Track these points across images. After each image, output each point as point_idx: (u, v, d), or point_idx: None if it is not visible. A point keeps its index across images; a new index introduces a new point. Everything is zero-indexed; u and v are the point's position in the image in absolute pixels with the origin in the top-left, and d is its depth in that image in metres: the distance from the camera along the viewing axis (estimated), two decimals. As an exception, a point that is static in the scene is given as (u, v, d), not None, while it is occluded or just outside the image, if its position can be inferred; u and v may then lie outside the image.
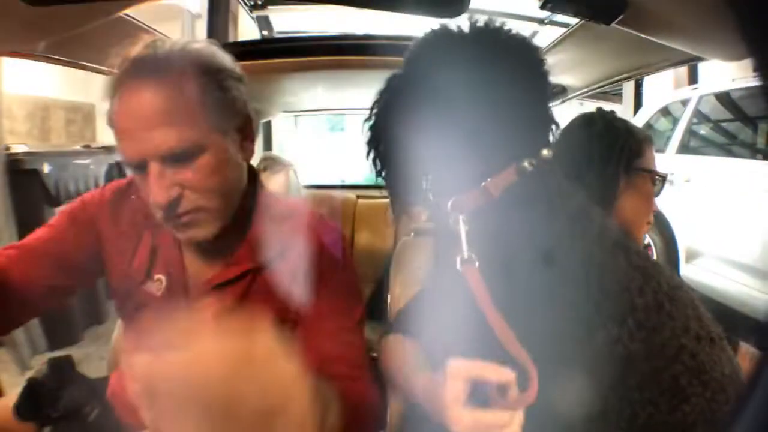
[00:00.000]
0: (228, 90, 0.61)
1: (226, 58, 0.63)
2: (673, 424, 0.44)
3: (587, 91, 1.23)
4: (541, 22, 3.16)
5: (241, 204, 0.67)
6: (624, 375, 0.43)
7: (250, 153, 0.66)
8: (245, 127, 0.64)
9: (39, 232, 0.70)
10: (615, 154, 0.71)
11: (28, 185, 1.58)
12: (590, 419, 0.43)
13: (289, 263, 0.65)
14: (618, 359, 0.43)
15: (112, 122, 0.59)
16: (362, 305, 0.77)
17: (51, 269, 0.67)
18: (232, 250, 0.67)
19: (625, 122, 0.76)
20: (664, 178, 0.77)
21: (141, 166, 0.57)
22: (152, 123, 0.55)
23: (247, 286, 0.67)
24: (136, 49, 0.59)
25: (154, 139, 0.55)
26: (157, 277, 0.70)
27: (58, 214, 0.73)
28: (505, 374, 0.39)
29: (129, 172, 0.65)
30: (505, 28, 0.52)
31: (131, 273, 0.71)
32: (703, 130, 2.68)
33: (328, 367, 0.71)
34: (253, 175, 0.71)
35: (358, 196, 1.98)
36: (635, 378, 0.43)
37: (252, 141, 0.66)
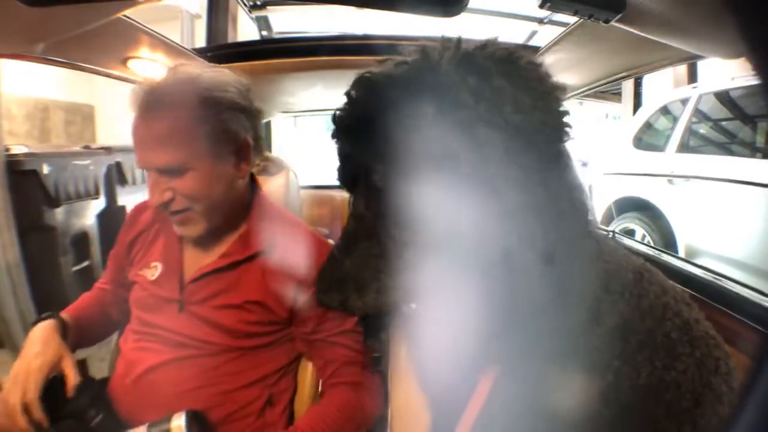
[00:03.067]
0: (224, 121, 0.71)
1: (231, 90, 0.72)
2: (668, 384, 0.46)
3: (586, 90, 1.22)
4: (540, 21, 3.16)
5: (237, 207, 0.77)
6: (626, 339, 0.46)
7: (245, 172, 0.76)
8: (241, 151, 0.74)
9: (102, 275, 0.91)
10: None
11: (28, 186, 1.58)
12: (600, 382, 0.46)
13: (279, 258, 0.73)
14: (620, 329, 0.46)
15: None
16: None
17: (120, 296, 0.85)
18: (226, 244, 0.77)
19: None
20: None
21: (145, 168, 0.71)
22: (151, 144, 0.68)
23: (237, 276, 0.75)
24: (155, 78, 0.72)
25: (151, 157, 0.69)
26: (153, 263, 0.79)
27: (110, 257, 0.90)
28: None
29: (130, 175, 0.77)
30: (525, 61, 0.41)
31: (134, 261, 0.82)
32: (703, 128, 2.68)
33: (330, 372, 0.74)
34: (255, 182, 0.82)
35: None
36: (635, 339, 0.46)
37: (248, 163, 0.76)
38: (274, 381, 0.78)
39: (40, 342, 0.71)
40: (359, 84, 0.40)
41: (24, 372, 0.68)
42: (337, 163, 0.42)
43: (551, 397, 0.48)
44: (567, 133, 0.43)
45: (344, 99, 0.41)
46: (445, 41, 0.41)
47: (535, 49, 1.14)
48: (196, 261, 0.77)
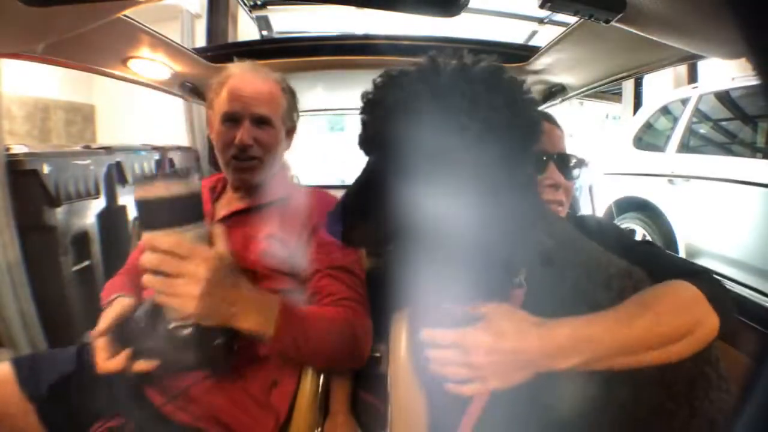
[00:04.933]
0: (293, 105, 0.97)
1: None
2: (668, 372, 0.51)
3: (587, 90, 1.22)
4: (540, 21, 3.16)
5: (273, 171, 0.94)
6: None
7: (288, 147, 1.00)
8: (291, 131, 1.00)
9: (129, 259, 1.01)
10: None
11: (28, 186, 1.58)
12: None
13: (291, 205, 0.90)
14: None
15: (223, 87, 0.91)
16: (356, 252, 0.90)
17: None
18: (248, 197, 0.93)
19: None
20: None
21: (236, 119, 0.89)
22: (258, 98, 0.90)
23: (258, 217, 0.89)
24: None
25: (254, 106, 0.89)
26: None
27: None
28: None
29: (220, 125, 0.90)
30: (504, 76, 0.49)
31: None
32: (703, 129, 2.68)
33: (320, 299, 0.82)
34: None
35: None
36: None
37: (291, 141, 1.01)
38: (280, 363, 0.80)
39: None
40: (383, 75, 0.50)
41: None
42: (360, 131, 0.52)
43: (557, 387, 0.50)
44: (537, 135, 0.50)
45: (371, 85, 0.51)
46: (449, 52, 0.50)
47: (536, 49, 1.14)
48: (226, 209, 0.93)
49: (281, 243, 0.85)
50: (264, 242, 0.85)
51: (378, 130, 0.49)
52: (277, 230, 0.87)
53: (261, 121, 0.90)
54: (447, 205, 0.44)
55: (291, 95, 0.97)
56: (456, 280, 0.49)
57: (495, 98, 0.46)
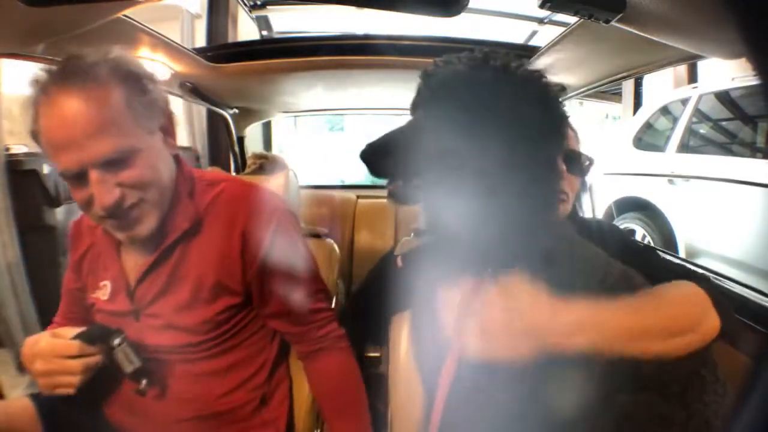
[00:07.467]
0: (149, 93, 0.64)
1: (141, 64, 0.67)
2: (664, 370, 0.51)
3: (587, 90, 1.22)
4: (540, 21, 3.16)
5: (171, 188, 0.70)
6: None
7: (173, 147, 0.71)
8: (168, 124, 0.69)
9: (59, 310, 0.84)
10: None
11: (28, 186, 1.58)
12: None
13: (212, 230, 0.71)
14: None
15: (38, 137, 0.61)
16: (313, 267, 0.79)
17: (80, 312, 0.80)
18: (161, 233, 0.69)
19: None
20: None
21: (80, 176, 0.60)
22: (87, 133, 0.58)
23: (177, 259, 0.70)
24: (58, 63, 0.62)
25: (92, 149, 0.58)
26: (102, 283, 0.75)
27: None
28: None
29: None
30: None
31: (88, 285, 0.77)
32: (703, 129, 2.67)
33: (312, 338, 0.76)
34: (178, 161, 0.73)
35: (358, 196, 1.98)
36: None
37: (173, 136, 0.71)
38: (264, 380, 0.78)
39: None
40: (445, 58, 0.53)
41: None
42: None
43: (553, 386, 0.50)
44: (564, 132, 0.52)
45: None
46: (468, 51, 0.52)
47: (536, 49, 1.14)
48: (135, 264, 0.72)
49: (214, 288, 0.70)
50: (190, 298, 0.69)
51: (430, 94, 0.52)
52: (203, 274, 0.69)
53: (117, 162, 0.60)
54: (470, 180, 0.47)
55: (136, 80, 0.63)
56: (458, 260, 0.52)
57: (532, 92, 0.50)
